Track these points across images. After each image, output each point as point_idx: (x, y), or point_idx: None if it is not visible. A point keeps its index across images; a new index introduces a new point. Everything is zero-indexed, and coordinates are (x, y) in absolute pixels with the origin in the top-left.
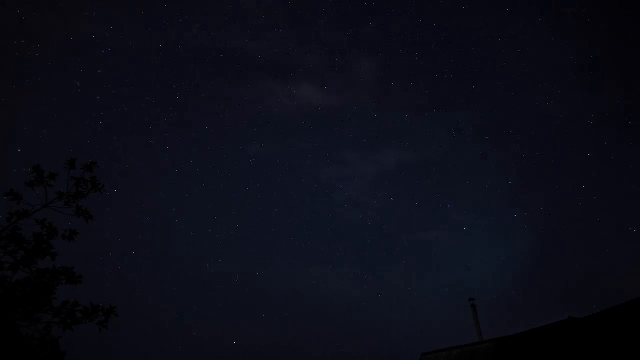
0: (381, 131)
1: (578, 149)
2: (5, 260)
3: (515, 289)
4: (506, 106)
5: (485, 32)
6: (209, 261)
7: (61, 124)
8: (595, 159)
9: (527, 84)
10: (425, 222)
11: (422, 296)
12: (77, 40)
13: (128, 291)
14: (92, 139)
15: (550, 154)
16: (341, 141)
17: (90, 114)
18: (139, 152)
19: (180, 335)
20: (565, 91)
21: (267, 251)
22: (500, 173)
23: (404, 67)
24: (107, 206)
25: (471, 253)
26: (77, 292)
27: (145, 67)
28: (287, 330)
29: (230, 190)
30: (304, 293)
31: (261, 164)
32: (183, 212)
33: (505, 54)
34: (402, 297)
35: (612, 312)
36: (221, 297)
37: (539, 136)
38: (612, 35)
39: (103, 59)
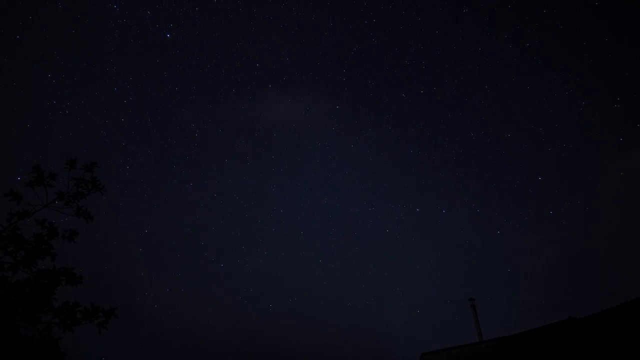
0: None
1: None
2: (5, 261)
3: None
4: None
5: None
6: (241, 292)
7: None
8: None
9: None
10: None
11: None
12: (102, 92)
13: (164, 328)
14: (120, 183)
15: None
16: (358, 156)
17: (118, 159)
18: (164, 191)
19: None
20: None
21: (298, 276)
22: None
23: None
24: (139, 247)
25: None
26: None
27: (163, 107)
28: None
29: (254, 217)
30: (338, 314)
31: (282, 188)
32: (211, 245)
33: None
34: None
35: (612, 312)
36: (257, 327)
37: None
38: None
39: (125, 105)
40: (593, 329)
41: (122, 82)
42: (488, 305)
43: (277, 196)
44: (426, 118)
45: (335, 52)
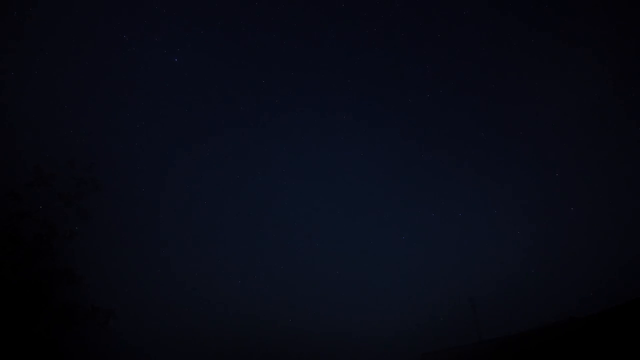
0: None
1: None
2: (5, 260)
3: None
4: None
5: None
6: (259, 309)
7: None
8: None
9: None
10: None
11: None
12: (116, 120)
13: (187, 347)
14: (136, 208)
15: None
16: (369, 165)
17: (134, 184)
18: (179, 210)
19: None
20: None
21: (315, 289)
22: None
23: None
24: (158, 268)
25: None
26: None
27: (174, 130)
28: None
29: (269, 230)
30: (354, 320)
31: (295, 200)
32: (227, 263)
33: None
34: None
35: (612, 312)
36: (277, 343)
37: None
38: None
39: (139, 129)
40: (593, 329)
41: (134, 109)
42: (493, 306)
43: (291, 207)
44: (434, 121)
45: (338, 63)
